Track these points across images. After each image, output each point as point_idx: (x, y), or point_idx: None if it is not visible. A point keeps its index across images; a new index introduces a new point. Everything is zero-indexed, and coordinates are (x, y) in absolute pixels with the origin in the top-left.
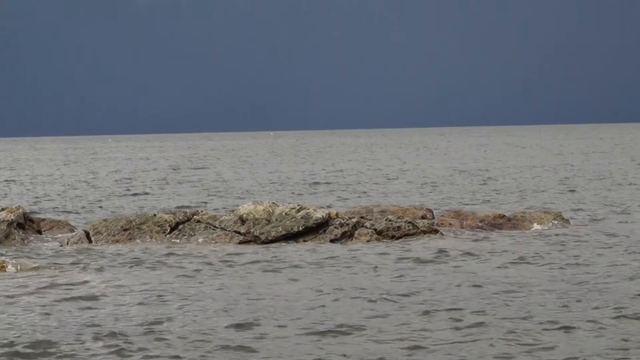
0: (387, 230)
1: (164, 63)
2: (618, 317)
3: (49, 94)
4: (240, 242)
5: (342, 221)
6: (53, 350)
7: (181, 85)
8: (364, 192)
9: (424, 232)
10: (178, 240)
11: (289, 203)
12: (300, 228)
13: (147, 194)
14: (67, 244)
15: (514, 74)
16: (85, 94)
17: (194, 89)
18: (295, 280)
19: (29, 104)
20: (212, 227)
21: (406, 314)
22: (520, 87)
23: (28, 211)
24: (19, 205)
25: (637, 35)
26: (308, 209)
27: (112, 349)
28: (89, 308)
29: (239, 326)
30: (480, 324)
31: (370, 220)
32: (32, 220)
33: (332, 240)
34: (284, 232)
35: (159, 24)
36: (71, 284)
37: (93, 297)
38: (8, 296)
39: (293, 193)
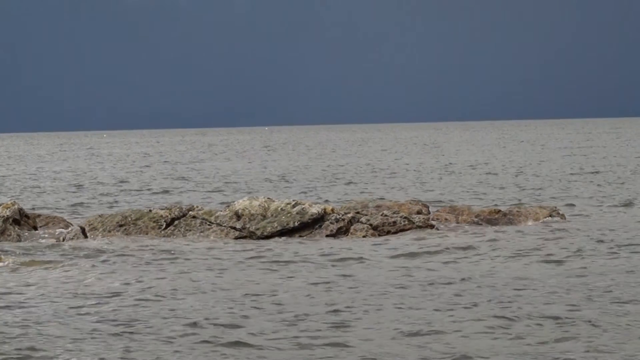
0: (383, 226)
1: (158, 59)
2: (621, 313)
3: (43, 90)
4: (236, 238)
5: (338, 216)
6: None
7: (175, 81)
8: (363, 187)
9: (420, 227)
10: (174, 236)
11: (286, 198)
12: (296, 223)
13: (144, 189)
14: (63, 239)
15: (512, 70)
16: (80, 91)
17: (188, 85)
18: (291, 277)
19: (23, 100)
20: (208, 223)
21: (403, 307)
22: (518, 82)
23: (24, 207)
24: (14, 201)
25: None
26: (303, 204)
27: (109, 348)
28: (87, 306)
29: (232, 325)
30: (474, 318)
31: (366, 215)
32: (27, 216)
33: (327, 236)
34: (279, 228)
35: (153, 21)
36: (66, 279)
37: (89, 295)
38: (2, 292)
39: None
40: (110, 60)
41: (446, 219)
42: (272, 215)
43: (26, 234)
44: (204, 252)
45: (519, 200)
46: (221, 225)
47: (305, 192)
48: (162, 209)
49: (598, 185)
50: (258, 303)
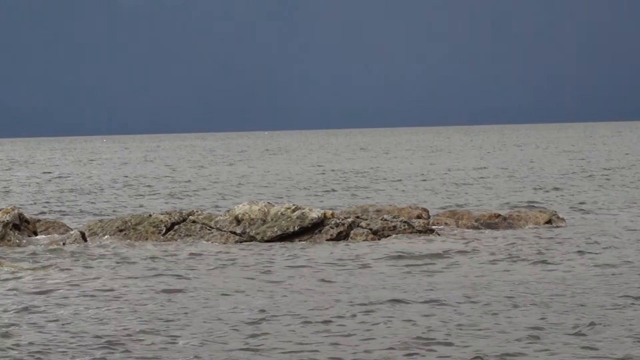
0: (383, 230)
1: (156, 63)
2: (623, 314)
3: (40, 93)
4: (236, 243)
5: (338, 221)
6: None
7: (174, 85)
8: (361, 191)
9: (420, 232)
10: (174, 241)
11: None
12: (296, 228)
13: (146, 194)
14: (63, 244)
15: (514, 73)
16: (76, 95)
17: (186, 89)
18: (289, 280)
19: (19, 104)
20: (208, 228)
21: (408, 313)
22: (521, 86)
23: (23, 212)
24: (14, 206)
25: None
26: (303, 209)
27: (107, 354)
28: (86, 309)
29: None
30: (476, 322)
31: (366, 220)
32: (27, 221)
33: (328, 240)
34: (279, 232)
35: (149, 22)
36: (66, 284)
37: (87, 298)
38: (1, 297)
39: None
40: (108, 64)
41: (446, 223)
42: (272, 219)
43: (26, 239)
44: (204, 256)
45: (521, 203)
46: (221, 230)
47: (307, 197)
48: (162, 214)
49: (598, 188)
50: (252, 305)
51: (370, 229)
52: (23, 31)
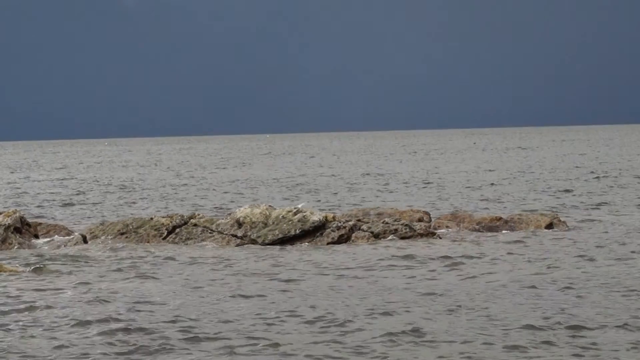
0: (384, 233)
1: (157, 65)
2: (628, 315)
3: (39, 96)
4: (237, 246)
5: (339, 224)
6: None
7: (174, 87)
8: (364, 194)
9: (421, 235)
10: (175, 244)
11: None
12: (297, 231)
13: (146, 197)
14: (64, 247)
15: (517, 74)
16: (78, 97)
17: (186, 91)
18: (292, 281)
19: (17, 107)
20: (209, 231)
21: (409, 316)
22: (519, 88)
23: (24, 215)
24: (15, 209)
25: None
26: (305, 212)
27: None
28: (89, 312)
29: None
30: (474, 323)
31: (367, 223)
32: (29, 224)
33: (329, 243)
34: (280, 236)
35: (150, 24)
36: (66, 287)
37: (86, 301)
38: (1, 299)
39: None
40: (107, 66)
41: (448, 227)
42: (273, 222)
43: (27, 242)
44: (204, 259)
45: (521, 207)
46: (222, 233)
47: (309, 200)
48: (163, 217)
49: (600, 191)
50: (248, 309)
51: (372, 232)
52: (23, 31)
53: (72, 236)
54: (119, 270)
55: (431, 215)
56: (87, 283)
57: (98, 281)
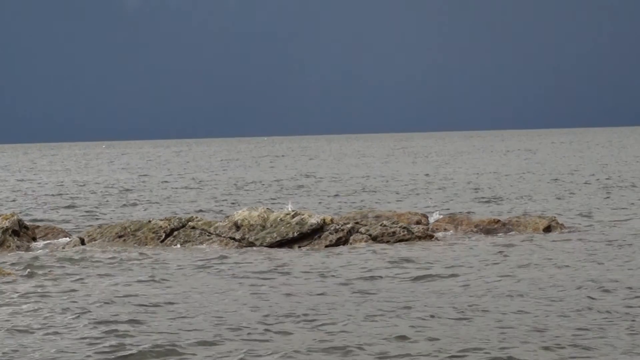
0: (382, 236)
1: (156, 67)
2: (627, 314)
3: (37, 99)
4: (236, 248)
5: (337, 227)
6: None
7: (173, 89)
8: (360, 197)
9: (419, 238)
10: (173, 247)
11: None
12: (295, 234)
13: (144, 200)
14: (62, 250)
15: (519, 77)
16: (76, 100)
17: (186, 93)
18: (288, 285)
19: (18, 110)
20: (207, 234)
21: (408, 319)
22: (522, 91)
23: (22, 218)
24: (13, 212)
25: None
26: (302, 215)
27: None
28: (83, 315)
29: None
30: (477, 326)
31: (365, 225)
32: (26, 227)
33: (327, 246)
34: (278, 238)
35: (151, 26)
36: (64, 290)
37: (87, 304)
38: (1, 304)
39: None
40: (105, 69)
41: (446, 229)
42: (271, 225)
43: (25, 245)
44: (202, 262)
45: (519, 210)
46: (220, 236)
47: (306, 203)
48: (161, 220)
49: (598, 194)
50: (246, 310)
51: (370, 235)
52: (23, 33)
53: (70, 239)
54: (117, 273)
55: (429, 218)
56: (85, 286)
57: (96, 284)
